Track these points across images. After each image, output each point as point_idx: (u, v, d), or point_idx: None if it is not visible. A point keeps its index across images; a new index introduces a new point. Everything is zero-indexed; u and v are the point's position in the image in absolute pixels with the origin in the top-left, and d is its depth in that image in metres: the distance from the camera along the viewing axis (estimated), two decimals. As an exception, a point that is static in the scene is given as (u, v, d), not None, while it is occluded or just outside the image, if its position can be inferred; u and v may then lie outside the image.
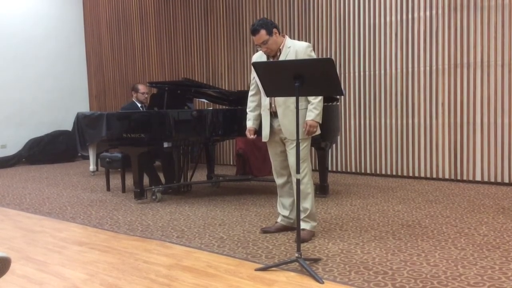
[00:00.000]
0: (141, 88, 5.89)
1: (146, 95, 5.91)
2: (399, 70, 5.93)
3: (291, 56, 3.29)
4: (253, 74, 3.49)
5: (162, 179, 5.46)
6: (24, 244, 3.54)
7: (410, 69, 5.85)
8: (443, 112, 5.66)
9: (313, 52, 3.38)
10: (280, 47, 3.35)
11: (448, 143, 5.66)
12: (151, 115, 4.83)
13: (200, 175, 6.41)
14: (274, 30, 3.31)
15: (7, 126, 8.61)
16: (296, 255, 2.77)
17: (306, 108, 3.29)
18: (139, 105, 5.85)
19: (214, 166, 6.04)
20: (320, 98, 3.28)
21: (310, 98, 3.27)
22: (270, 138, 3.45)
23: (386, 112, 6.06)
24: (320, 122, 3.32)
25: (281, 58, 3.32)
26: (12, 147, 8.61)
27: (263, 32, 3.27)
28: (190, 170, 5.61)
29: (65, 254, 3.27)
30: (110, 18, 9.29)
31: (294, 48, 3.32)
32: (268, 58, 3.39)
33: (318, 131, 3.37)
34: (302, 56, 3.28)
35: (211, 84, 7.57)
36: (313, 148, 5.07)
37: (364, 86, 6.21)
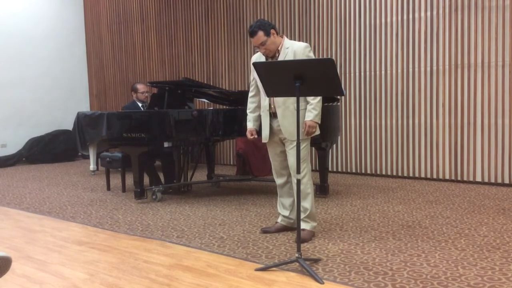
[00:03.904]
0: (140, 87, 5.88)
1: (146, 94, 5.91)
2: (399, 71, 5.93)
3: (289, 57, 3.29)
4: (253, 75, 3.49)
5: (162, 179, 5.46)
6: (24, 243, 3.53)
7: (410, 70, 5.85)
8: (443, 113, 5.66)
9: (311, 52, 3.38)
10: (279, 48, 3.35)
11: (448, 144, 5.66)
12: (152, 115, 4.82)
13: (200, 175, 6.40)
14: (272, 31, 3.31)
15: (7, 125, 8.61)
16: (296, 255, 2.77)
17: (305, 109, 3.29)
18: (140, 104, 5.85)
19: (214, 166, 6.04)
20: (319, 98, 3.28)
21: (309, 99, 3.27)
22: (270, 139, 3.45)
23: (387, 112, 6.06)
24: (319, 122, 3.32)
25: (280, 58, 3.31)
26: (13, 146, 8.61)
27: (260, 33, 3.27)
28: (190, 170, 5.61)
29: (65, 253, 3.27)
30: (110, 17, 9.29)
31: (293, 49, 3.32)
32: (266, 59, 3.39)
33: (317, 132, 3.37)
34: (300, 56, 3.28)
35: (211, 84, 7.57)
36: (313, 148, 5.07)
37: (365, 86, 6.21)
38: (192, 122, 4.79)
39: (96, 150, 7.01)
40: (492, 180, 5.40)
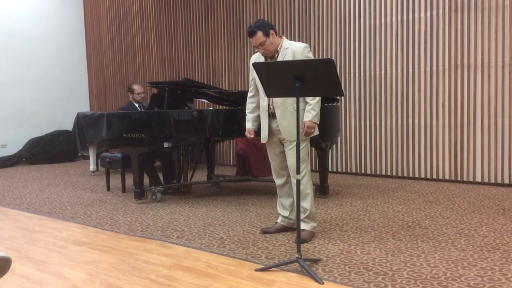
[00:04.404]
0: (136, 88, 5.92)
1: (143, 95, 5.94)
2: (399, 71, 5.93)
3: (288, 57, 3.29)
4: (252, 76, 3.49)
5: (162, 180, 5.46)
6: (24, 244, 3.53)
7: (410, 70, 5.85)
8: (443, 113, 5.66)
9: (310, 53, 3.38)
10: (278, 48, 3.35)
11: (448, 144, 5.66)
12: (151, 115, 4.83)
13: (200, 175, 6.40)
14: (271, 31, 3.31)
15: (7, 126, 8.61)
16: (296, 255, 2.77)
17: (304, 109, 3.29)
18: (136, 105, 5.88)
19: (214, 166, 6.04)
20: (317, 99, 3.28)
21: (308, 99, 3.27)
22: (269, 139, 3.45)
23: (387, 112, 6.06)
24: (318, 122, 3.32)
25: (279, 59, 3.31)
26: (12, 146, 8.61)
27: (260, 33, 3.27)
28: (190, 170, 5.61)
29: (65, 254, 3.27)
30: (110, 17, 9.29)
31: (292, 49, 3.32)
32: (266, 59, 3.39)
33: (316, 132, 3.37)
34: (299, 57, 3.28)
35: (211, 84, 7.58)
36: (313, 148, 5.07)
37: (365, 86, 6.21)
38: (192, 123, 4.79)
39: (96, 150, 7.01)
40: (492, 180, 5.40)
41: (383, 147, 6.14)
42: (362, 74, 6.22)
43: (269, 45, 3.30)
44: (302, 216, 3.28)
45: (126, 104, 6.03)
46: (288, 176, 3.50)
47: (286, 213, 3.57)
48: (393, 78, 5.98)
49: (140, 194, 4.89)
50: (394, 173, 6.07)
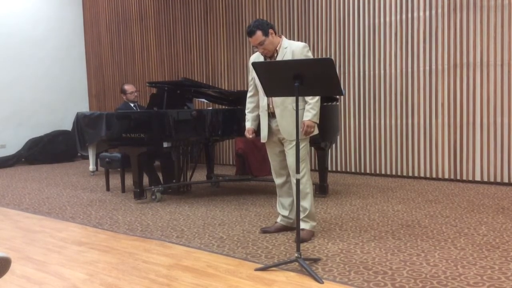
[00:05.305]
0: (128, 88, 5.95)
1: (136, 93, 5.97)
2: (398, 70, 5.93)
3: (287, 57, 3.29)
4: (251, 75, 3.49)
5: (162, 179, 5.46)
6: (24, 244, 3.53)
7: (409, 69, 5.85)
8: (442, 112, 5.66)
9: (309, 52, 3.38)
10: (277, 48, 3.34)
11: (447, 143, 5.66)
12: (151, 115, 4.82)
13: (199, 175, 6.41)
14: (270, 30, 3.30)
15: (6, 126, 8.61)
16: (296, 255, 2.77)
17: (304, 109, 3.29)
18: (132, 105, 5.89)
19: (213, 166, 6.04)
20: (317, 98, 3.28)
21: (307, 98, 3.27)
22: (269, 139, 3.45)
23: (386, 112, 6.06)
24: (318, 122, 3.32)
25: (278, 58, 3.31)
26: (12, 147, 8.61)
27: (259, 33, 3.27)
28: (189, 170, 5.61)
29: (64, 254, 3.27)
30: (109, 17, 9.28)
31: (291, 49, 3.32)
32: (265, 59, 3.39)
33: (316, 131, 3.37)
34: (298, 56, 3.28)
35: (210, 84, 7.58)
36: (312, 148, 5.07)
37: (364, 86, 6.21)
38: (191, 122, 4.79)
39: (96, 150, 7.01)
40: (491, 179, 5.40)
41: (383, 146, 6.14)
42: (361, 73, 6.22)
43: (268, 44, 3.30)
44: (301, 215, 3.28)
45: (121, 105, 6.05)
46: (288, 175, 3.50)
47: (286, 213, 3.57)
48: (392, 77, 5.99)
49: (139, 194, 4.89)
50: (394, 172, 6.08)
